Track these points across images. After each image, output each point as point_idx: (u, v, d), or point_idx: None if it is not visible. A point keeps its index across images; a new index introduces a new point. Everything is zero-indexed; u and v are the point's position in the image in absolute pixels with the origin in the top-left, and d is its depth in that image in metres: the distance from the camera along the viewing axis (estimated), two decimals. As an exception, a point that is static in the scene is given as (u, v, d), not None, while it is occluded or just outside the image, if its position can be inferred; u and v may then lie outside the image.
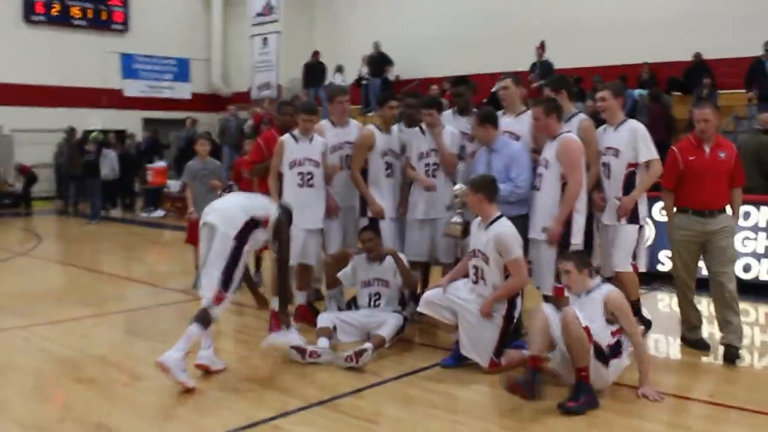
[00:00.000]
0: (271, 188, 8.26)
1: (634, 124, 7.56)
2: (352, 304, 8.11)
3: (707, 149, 7.09)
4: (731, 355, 7.00)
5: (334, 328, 7.57)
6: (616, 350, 6.09)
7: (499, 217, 6.76)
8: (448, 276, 7.15)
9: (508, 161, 7.42)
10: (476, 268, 6.85)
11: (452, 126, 8.23)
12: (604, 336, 6.04)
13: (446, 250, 8.17)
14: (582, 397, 5.78)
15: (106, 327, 8.57)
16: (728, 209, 7.21)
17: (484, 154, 7.64)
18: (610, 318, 6.14)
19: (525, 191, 7.36)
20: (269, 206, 6.97)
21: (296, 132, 8.24)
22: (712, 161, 7.08)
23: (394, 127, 8.38)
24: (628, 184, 7.43)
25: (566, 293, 6.53)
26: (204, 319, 6.42)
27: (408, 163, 8.23)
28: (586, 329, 5.83)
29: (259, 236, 6.78)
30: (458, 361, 6.82)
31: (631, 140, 7.39)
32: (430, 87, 20.48)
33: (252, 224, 6.64)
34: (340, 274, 7.98)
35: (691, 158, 7.12)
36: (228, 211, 6.65)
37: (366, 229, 7.97)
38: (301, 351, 6.95)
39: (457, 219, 7.64)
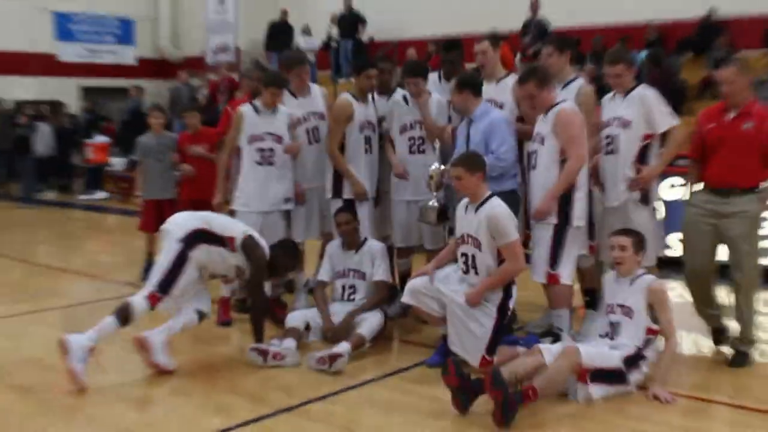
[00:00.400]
0: (220, 167, 8.43)
1: (643, 89, 7.41)
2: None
3: (730, 116, 6.92)
4: (735, 362, 7.03)
5: (307, 327, 7.57)
6: (632, 363, 6.21)
7: (490, 197, 6.75)
8: (433, 262, 7.15)
9: (487, 130, 7.41)
10: (466, 255, 6.85)
11: (438, 94, 8.23)
12: (636, 338, 6.29)
13: (432, 235, 8.18)
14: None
15: (42, 326, 8.53)
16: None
17: (464, 126, 7.65)
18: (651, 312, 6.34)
19: (508, 164, 7.37)
20: (234, 226, 7.19)
21: (258, 102, 8.23)
22: (731, 131, 6.86)
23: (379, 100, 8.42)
24: (642, 160, 7.32)
25: (610, 276, 6.75)
26: (123, 314, 6.62)
27: (388, 138, 8.23)
28: (583, 371, 5.97)
29: (225, 256, 7.00)
30: (445, 359, 6.84)
31: (644, 108, 7.27)
32: (407, 51, 20.48)
33: (204, 234, 6.91)
34: (321, 273, 8.02)
35: (710, 125, 7.02)
36: (182, 217, 7.09)
37: (342, 210, 7.97)
38: (262, 352, 6.94)
39: (433, 203, 7.65)
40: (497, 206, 6.68)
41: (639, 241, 6.53)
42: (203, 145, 10.10)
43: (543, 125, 7.11)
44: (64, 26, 28.45)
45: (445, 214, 7.69)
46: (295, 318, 7.59)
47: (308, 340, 7.57)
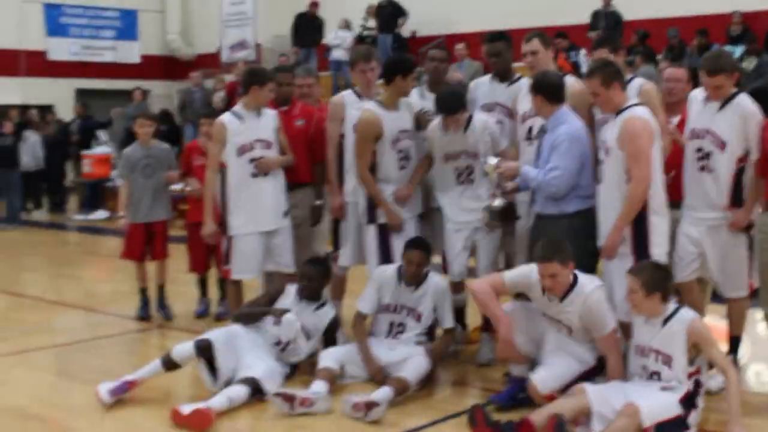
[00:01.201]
0: (208, 189, 8.62)
1: (745, 102, 7.28)
2: None
3: None
4: None
5: (342, 369, 7.59)
6: (690, 404, 6.29)
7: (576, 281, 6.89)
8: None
9: (552, 146, 7.39)
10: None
11: (489, 98, 8.39)
12: (679, 385, 6.32)
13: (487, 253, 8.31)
14: None
15: (28, 368, 8.58)
16: None
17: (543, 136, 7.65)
18: (691, 354, 6.34)
19: (558, 190, 7.28)
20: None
21: (239, 108, 8.50)
22: None
23: (408, 99, 8.44)
24: (737, 188, 7.26)
25: (629, 315, 6.74)
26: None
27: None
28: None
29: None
30: (513, 400, 6.94)
31: (742, 125, 7.18)
32: (455, 46, 20.53)
33: None
34: (362, 303, 8.05)
35: (765, 135, 7.00)
36: None
37: (415, 246, 7.93)
38: (287, 398, 7.00)
39: (498, 202, 7.64)
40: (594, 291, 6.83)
41: (650, 280, 6.42)
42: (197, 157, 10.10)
43: (609, 131, 7.10)
44: (56, 20, 28.74)
45: (513, 212, 7.77)
46: (328, 356, 7.63)
47: (343, 380, 7.58)
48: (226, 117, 8.50)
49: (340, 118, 8.56)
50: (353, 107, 8.49)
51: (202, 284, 10.49)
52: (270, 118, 8.50)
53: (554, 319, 6.92)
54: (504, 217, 7.70)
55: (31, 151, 21.25)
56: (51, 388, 7.99)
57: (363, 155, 8.23)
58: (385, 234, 8.22)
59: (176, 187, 10.36)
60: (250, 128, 8.37)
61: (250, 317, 7.89)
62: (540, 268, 6.69)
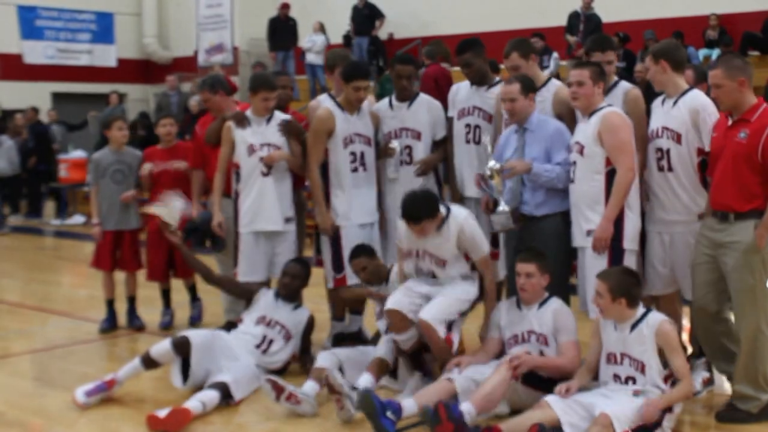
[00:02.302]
0: (216, 185, 8.72)
1: (697, 97, 7.32)
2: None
3: (729, 122, 6.79)
4: (721, 416, 6.93)
5: (341, 370, 7.52)
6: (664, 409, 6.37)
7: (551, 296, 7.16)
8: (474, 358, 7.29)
9: (549, 144, 7.54)
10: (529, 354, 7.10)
11: (467, 103, 8.44)
12: (653, 389, 6.41)
13: None
14: None
15: (6, 374, 8.62)
16: None
17: (514, 136, 7.73)
18: (663, 357, 6.47)
19: (566, 183, 7.46)
20: None
21: (248, 113, 8.57)
22: (728, 141, 6.74)
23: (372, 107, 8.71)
24: (705, 178, 7.24)
25: (598, 316, 6.81)
26: None
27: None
28: None
29: None
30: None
31: (693, 119, 7.21)
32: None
33: None
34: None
35: (713, 135, 6.95)
36: None
37: (358, 253, 8.12)
38: (277, 388, 7.00)
39: (503, 207, 7.61)
40: (563, 304, 7.13)
41: (617, 286, 6.51)
42: (177, 162, 9.85)
43: (583, 131, 7.25)
44: (31, 22, 28.61)
45: (518, 212, 7.76)
46: (326, 357, 7.68)
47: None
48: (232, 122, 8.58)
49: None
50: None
51: (165, 295, 10.22)
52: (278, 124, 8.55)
53: (534, 332, 7.05)
54: (516, 219, 7.65)
55: (6, 155, 21.11)
56: (28, 393, 7.99)
57: (313, 152, 8.46)
58: (336, 235, 8.49)
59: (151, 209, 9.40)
60: (256, 132, 8.45)
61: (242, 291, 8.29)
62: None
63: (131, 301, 10.14)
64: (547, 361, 6.94)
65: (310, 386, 7.23)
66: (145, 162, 9.82)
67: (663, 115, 7.31)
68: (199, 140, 9.36)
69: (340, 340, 8.74)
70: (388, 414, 6.51)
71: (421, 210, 7.16)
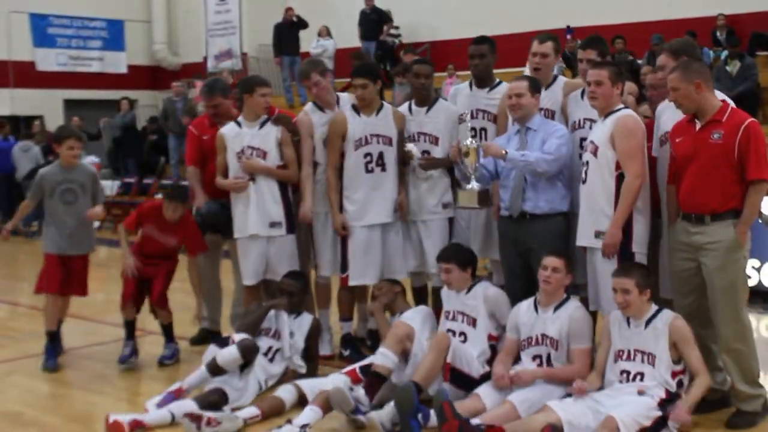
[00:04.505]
0: (222, 184, 8.62)
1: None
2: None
3: (698, 126, 6.76)
4: (733, 423, 6.83)
5: (302, 402, 7.25)
6: (668, 407, 6.34)
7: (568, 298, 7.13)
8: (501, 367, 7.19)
9: (545, 137, 7.54)
10: (540, 357, 7.08)
11: (470, 105, 8.37)
12: (663, 383, 6.42)
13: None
14: None
15: (23, 375, 8.63)
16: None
17: (514, 138, 7.72)
18: (675, 353, 6.47)
19: (545, 170, 7.40)
20: None
21: (240, 118, 8.55)
22: (700, 143, 6.71)
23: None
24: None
25: (616, 316, 6.79)
26: None
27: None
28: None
29: None
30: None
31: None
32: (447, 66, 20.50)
33: None
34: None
35: (678, 139, 6.91)
36: None
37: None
38: (195, 419, 6.74)
39: (473, 186, 7.68)
40: (580, 308, 7.06)
41: (643, 278, 6.57)
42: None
43: (599, 131, 7.21)
44: (43, 30, 28.67)
45: (487, 195, 7.84)
46: (286, 390, 7.38)
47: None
48: (226, 126, 8.54)
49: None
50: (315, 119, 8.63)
51: (129, 326, 8.82)
52: (271, 129, 8.46)
53: (546, 336, 7.02)
54: (481, 201, 7.74)
55: (34, 160, 21.22)
56: (45, 395, 8.03)
57: (329, 155, 8.51)
58: (345, 236, 8.50)
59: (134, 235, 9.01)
60: (244, 136, 8.37)
61: (252, 326, 7.89)
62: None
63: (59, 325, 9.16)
64: (554, 372, 6.90)
65: (248, 411, 7.02)
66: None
67: (679, 116, 7.14)
68: (195, 139, 9.20)
69: (348, 341, 8.76)
70: (419, 417, 6.52)
71: None
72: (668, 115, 7.25)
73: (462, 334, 7.38)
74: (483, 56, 8.30)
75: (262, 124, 8.44)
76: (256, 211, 8.35)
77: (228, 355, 7.36)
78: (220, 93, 9.10)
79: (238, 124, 8.46)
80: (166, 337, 8.90)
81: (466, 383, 7.04)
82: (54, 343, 8.85)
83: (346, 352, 8.64)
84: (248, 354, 7.43)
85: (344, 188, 8.46)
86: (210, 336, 9.00)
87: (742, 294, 6.79)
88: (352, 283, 8.54)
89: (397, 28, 24.41)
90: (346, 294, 8.80)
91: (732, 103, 6.82)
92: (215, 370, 7.35)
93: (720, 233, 6.60)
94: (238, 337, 7.65)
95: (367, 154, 8.40)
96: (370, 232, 8.45)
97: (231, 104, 9.22)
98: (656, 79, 7.63)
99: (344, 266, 8.52)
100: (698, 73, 6.60)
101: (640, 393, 6.38)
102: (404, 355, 7.24)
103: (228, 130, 8.46)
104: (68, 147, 8.79)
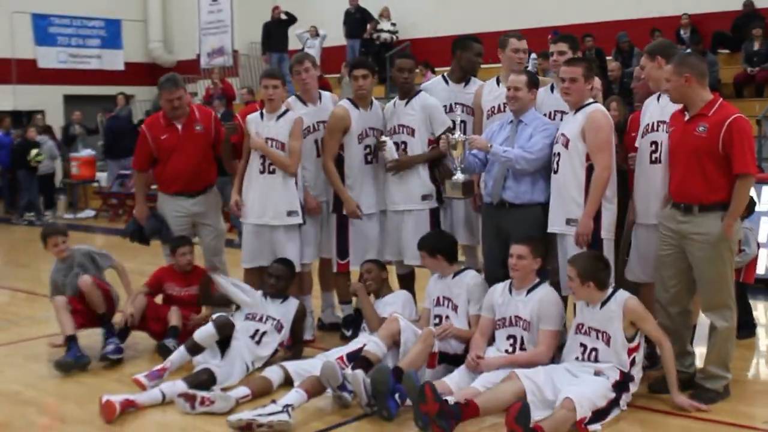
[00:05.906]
0: (238, 174, 8.72)
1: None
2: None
3: (686, 117, 6.80)
4: (693, 396, 6.87)
5: (289, 382, 7.25)
6: (622, 388, 6.52)
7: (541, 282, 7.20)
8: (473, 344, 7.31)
9: (533, 133, 7.59)
10: (513, 337, 7.14)
11: (449, 100, 8.50)
12: (619, 362, 6.56)
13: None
14: None
15: (21, 357, 8.66)
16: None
17: (506, 127, 7.76)
18: (630, 332, 6.59)
19: (524, 167, 7.46)
20: None
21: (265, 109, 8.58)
22: (686, 135, 6.77)
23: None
24: None
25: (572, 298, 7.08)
26: None
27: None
28: (579, 422, 6.16)
29: None
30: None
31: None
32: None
33: None
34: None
35: (670, 129, 6.98)
36: None
37: (370, 260, 8.33)
38: (189, 398, 6.81)
39: (458, 177, 7.80)
40: (551, 292, 7.14)
41: (584, 270, 6.68)
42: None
43: (571, 125, 7.31)
44: (44, 30, 28.65)
45: (471, 186, 7.95)
46: (272, 371, 7.37)
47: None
48: (253, 116, 8.54)
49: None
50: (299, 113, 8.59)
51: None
52: (287, 121, 8.41)
53: (519, 318, 7.10)
54: (465, 191, 7.86)
55: (50, 155, 21.22)
56: (43, 375, 8.03)
57: (328, 147, 8.51)
58: (344, 223, 8.56)
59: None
60: (265, 127, 8.38)
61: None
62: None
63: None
64: (515, 359, 6.94)
65: (240, 390, 7.01)
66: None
67: (659, 109, 7.28)
68: (145, 142, 9.02)
69: (350, 322, 8.79)
70: (396, 397, 6.59)
71: None
72: (651, 109, 7.37)
73: (447, 318, 7.57)
74: (479, 54, 8.50)
75: (279, 117, 8.41)
76: (270, 202, 8.35)
77: (204, 331, 7.44)
78: (182, 85, 8.94)
79: (261, 114, 8.50)
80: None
81: (453, 360, 7.22)
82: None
83: (348, 333, 8.67)
84: (223, 330, 7.46)
85: (346, 178, 8.50)
86: None
87: (729, 282, 6.81)
88: (353, 268, 8.61)
89: (394, 24, 24.43)
90: (343, 279, 8.85)
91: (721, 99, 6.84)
92: (193, 347, 7.45)
93: (707, 225, 6.64)
94: (238, 318, 7.90)
95: (367, 146, 8.53)
96: (369, 220, 8.57)
97: (189, 97, 9.19)
98: (639, 74, 7.85)
99: (344, 253, 8.61)
100: (690, 68, 6.66)
101: (597, 374, 6.51)
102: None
103: (253, 118, 8.48)
104: (53, 245, 8.76)
